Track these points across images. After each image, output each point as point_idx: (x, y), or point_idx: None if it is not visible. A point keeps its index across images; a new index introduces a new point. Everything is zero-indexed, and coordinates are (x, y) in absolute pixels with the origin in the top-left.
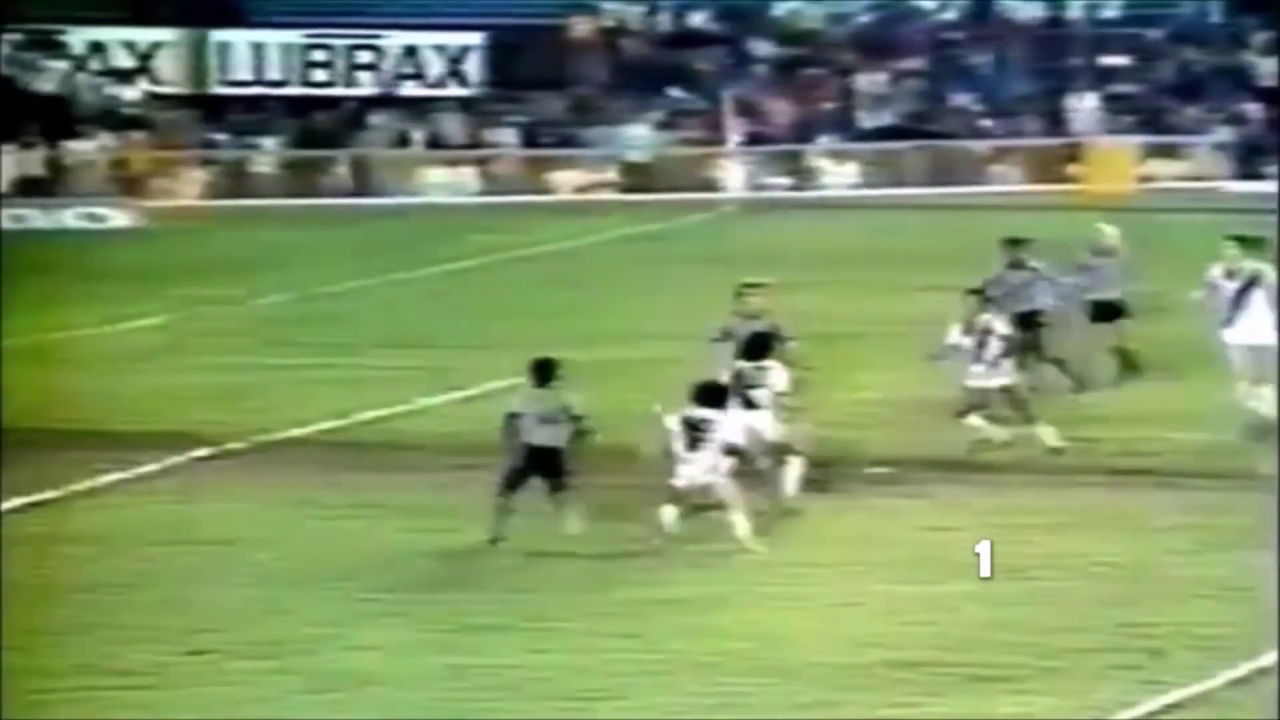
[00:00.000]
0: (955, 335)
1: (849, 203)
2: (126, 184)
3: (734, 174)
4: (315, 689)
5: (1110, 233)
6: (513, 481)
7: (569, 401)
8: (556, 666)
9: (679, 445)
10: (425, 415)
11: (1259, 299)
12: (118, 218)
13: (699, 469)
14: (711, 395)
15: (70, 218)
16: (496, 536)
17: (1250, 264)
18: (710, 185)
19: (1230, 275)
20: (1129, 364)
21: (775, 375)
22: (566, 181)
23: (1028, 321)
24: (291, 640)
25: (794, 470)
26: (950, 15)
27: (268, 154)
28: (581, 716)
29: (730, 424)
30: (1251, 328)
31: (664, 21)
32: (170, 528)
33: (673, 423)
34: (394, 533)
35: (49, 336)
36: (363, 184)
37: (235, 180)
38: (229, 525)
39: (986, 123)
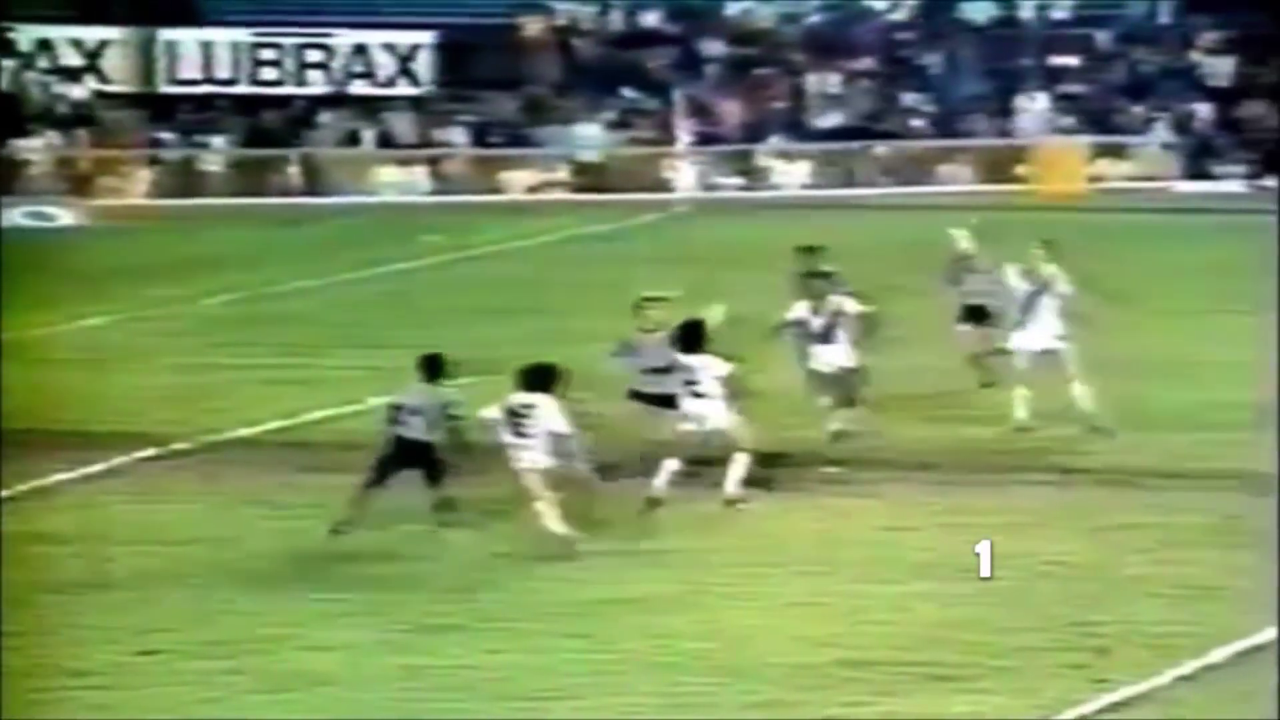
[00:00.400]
0: (801, 311)
1: (800, 203)
2: (74, 183)
3: (686, 174)
4: (269, 689)
5: (962, 236)
6: (380, 472)
7: (451, 399)
8: (512, 666)
9: (504, 433)
10: (376, 415)
11: (1047, 304)
12: (65, 216)
13: (536, 454)
14: (536, 379)
15: (18, 216)
16: (343, 523)
17: (1046, 269)
18: (662, 185)
19: (1027, 277)
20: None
21: (712, 367)
22: (518, 181)
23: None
24: (245, 640)
25: (738, 468)
26: (901, 15)
27: (216, 153)
28: (537, 717)
29: (553, 408)
30: (1038, 333)
31: (615, 21)
32: (122, 528)
33: (493, 412)
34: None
35: None
36: (312, 183)
37: (184, 179)
38: (181, 525)
39: (926, 123)
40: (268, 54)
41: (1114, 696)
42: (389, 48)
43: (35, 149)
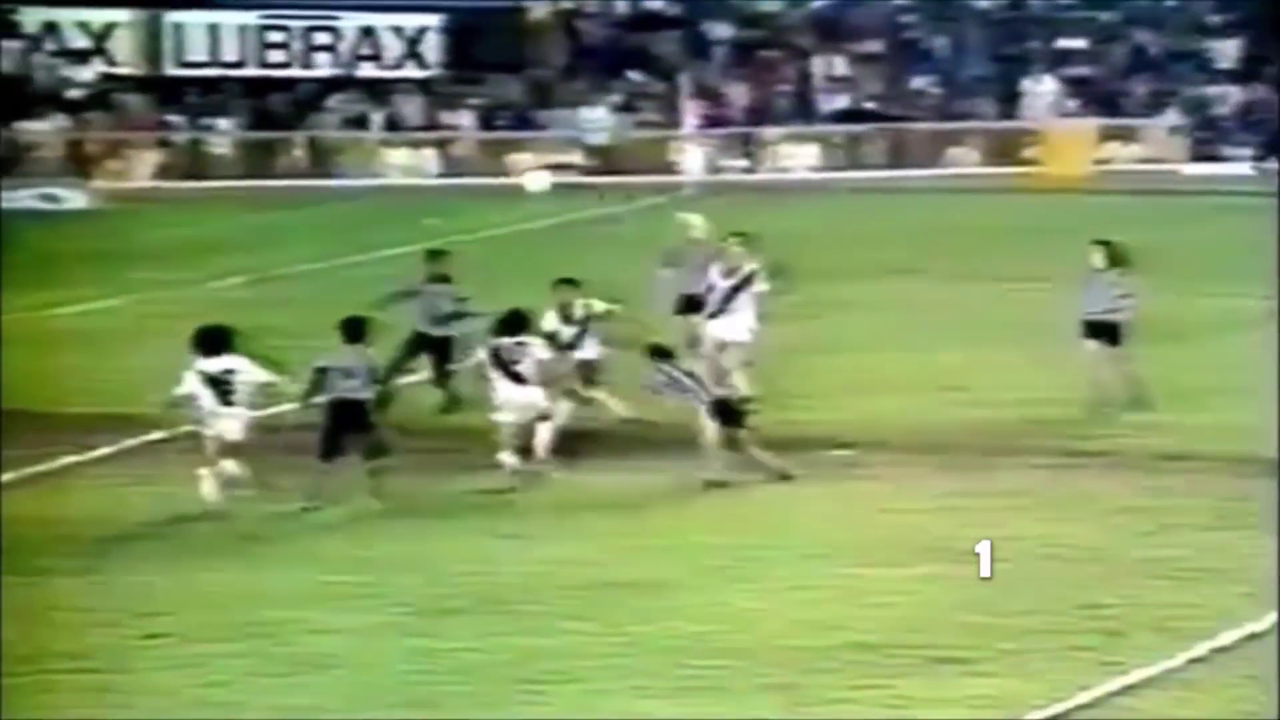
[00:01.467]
0: (553, 322)
1: (808, 186)
2: (81, 165)
3: (692, 157)
4: (275, 673)
5: (696, 223)
6: (330, 445)
7: (374, 360)
8: (517, 649)
9: (207, 400)
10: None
11: (745, 299)
12: (74, 199)
13: (238, 423)
14: (216, 342)
15: (26, 199)
16: (311, 504)
17: (748, 265)
18: (669, 168)
19: (729, 273)
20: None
21: (533, 350)
22: (525, 164)
23: (438, 341)
24: (253, 623)
25: (544, 433)
26: None
27: (223, 135)
28: (543, 700)
29: (254, 373)
30: (732, 324)
31: (621, 4)
32: (128, 511)
33: (191, 380)
34: (354, 515)
35: (4, 318)
36: (319, 166)
37: (191, 162)
38: (186, 508)
39: (933, 106)
40: (275, 36)
41: (1125, 679)
42: (396, 30)
43: (43, 131)
